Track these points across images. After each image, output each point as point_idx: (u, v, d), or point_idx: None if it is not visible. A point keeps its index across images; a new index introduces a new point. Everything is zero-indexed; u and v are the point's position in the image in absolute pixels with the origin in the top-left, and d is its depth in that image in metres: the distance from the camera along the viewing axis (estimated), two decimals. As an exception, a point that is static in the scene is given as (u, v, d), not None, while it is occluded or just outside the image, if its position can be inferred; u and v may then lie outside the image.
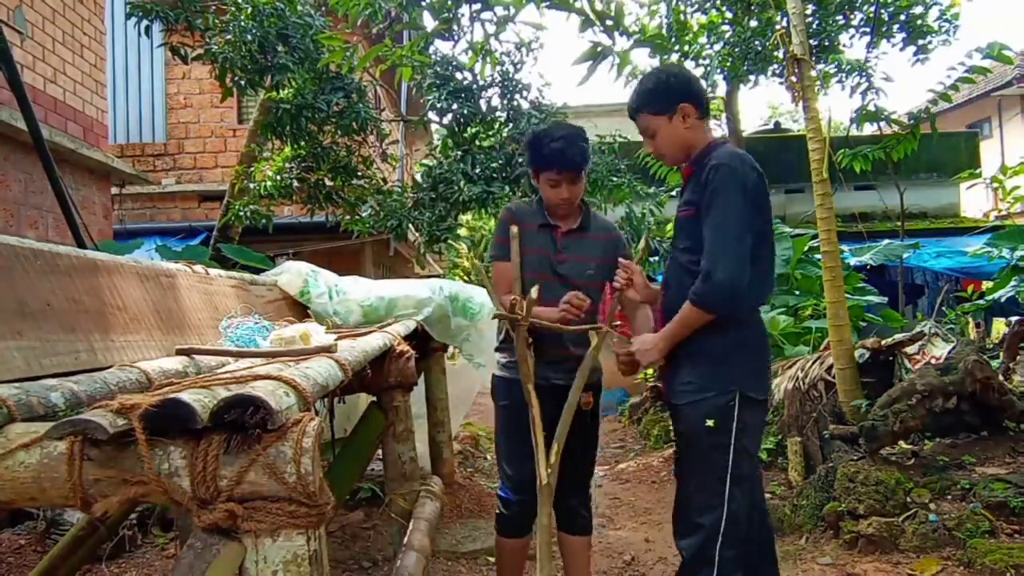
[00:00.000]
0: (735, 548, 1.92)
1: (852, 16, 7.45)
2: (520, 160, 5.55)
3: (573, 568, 2.55)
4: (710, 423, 1.93)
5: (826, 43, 7.37)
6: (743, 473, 1.93)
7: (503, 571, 2.54)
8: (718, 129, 10.80)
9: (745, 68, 7.73)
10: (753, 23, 7.61)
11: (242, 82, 5.32)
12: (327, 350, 1.74)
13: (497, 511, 2.50)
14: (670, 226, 8.72)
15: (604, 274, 2.41)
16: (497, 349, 2.52)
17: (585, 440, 2.46)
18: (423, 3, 5.44)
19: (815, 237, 5.40)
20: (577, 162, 2.32)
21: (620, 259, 2.27)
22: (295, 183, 5.96)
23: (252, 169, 6.23)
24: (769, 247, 2.01)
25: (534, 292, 2.15)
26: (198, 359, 1.84)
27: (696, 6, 7.81)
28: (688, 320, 1.95)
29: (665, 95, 2.02)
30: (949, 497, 3.49)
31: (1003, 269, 6.14)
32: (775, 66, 7.67)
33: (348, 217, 6.26)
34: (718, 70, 8.05)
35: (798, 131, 13.01)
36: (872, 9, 7.15)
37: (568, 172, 2.31)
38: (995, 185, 6.81)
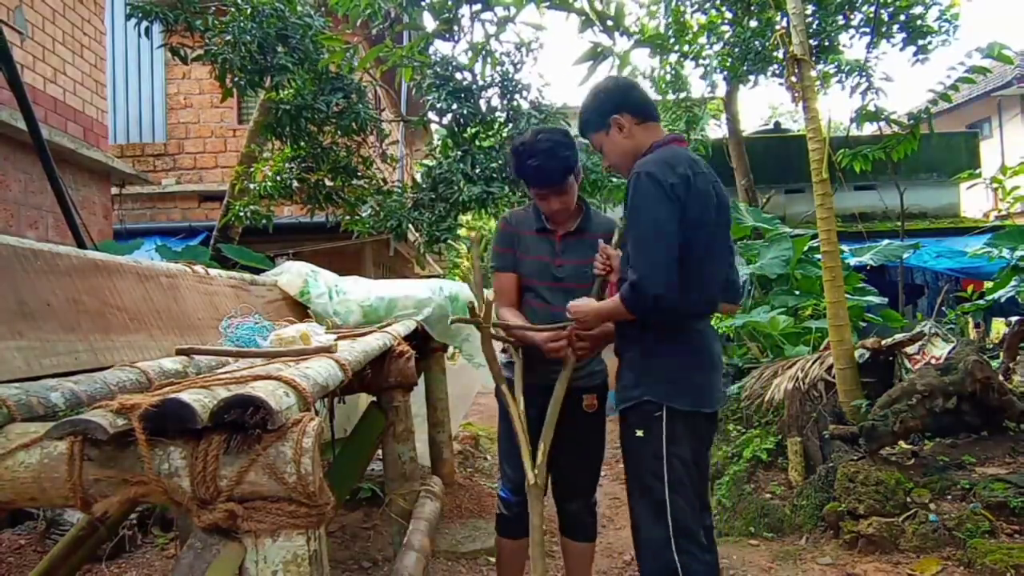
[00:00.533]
0: (698, 562, 1.86)
1: (852, 16, 7.46)
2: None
3: (575, 573, 2.54)
4: (639, 433, 1.92)
5: (826, 43, 7.38)
6: (680, 481, 1.87)
7: (503, 572, 2.53)
8: (718, 129, 10.83)
9: (745, 68, 7.73)
10: (753, 23, 7.62)
11: (242, 83, 5.32)
12: (327, 350, 1.74)
13: (497, 512, 2.49)
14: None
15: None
16: (502, 351, 2.51)
17: (589, 444, 2.42)
18: (423, 3, 5.44)
19: (815, 237, 5.39)
20: (559, 176, 2.27)
21: (600, 243, 2.22)
22: (295, 183, 5.96)
23: (252, 169, 6.24)
24: (706, 253, 1.91)
25: (489, 295, 2.14)
26: (198, 359, 1.83)
27: (696, 6, 7.82)
28: (617, 310, 1.96)
29: (596, 112, 2.07)
30: (949, 497, 3.49)
31: (1003, 269, 6.13)
32: (775, 66, 7.68)
33: (348, 217, 6.27)
34: (718, 70, 8.06)
35: (798, 131, 13.01)
36: (872, 9, 7.15)
37: (552, 187, 2.29)
38: (995, 185, 6.80)
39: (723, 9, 7.77)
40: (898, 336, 4.76)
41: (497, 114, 5.85)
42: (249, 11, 5.14)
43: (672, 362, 1.92)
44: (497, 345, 2.54)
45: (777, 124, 15.73)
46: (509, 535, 2.47)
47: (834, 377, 4.31)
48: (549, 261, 2.36)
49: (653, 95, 8.94)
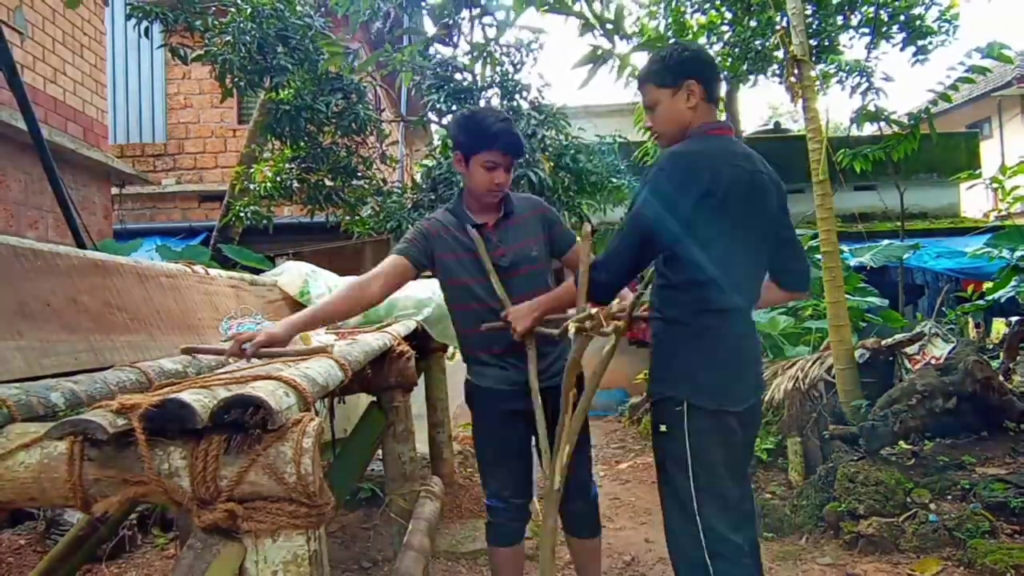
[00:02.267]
0: (730, 565, 1.83)
1: (852, 16, 7.46)
2: (520, 162, 5.55)
3: (587, 571, 2.54)
4: (663, 428, 1.92)
5: (826, 43, 7.38)
6: (706, 480, 1.86)
7: None
8: (718, 129, 10.81)
9: (745, 68, 7.73)
10: (753, 23, 7.62)
11: (242, 83, 5.32)
12: (326, 350, 1.74)
13: (488, 521, 2.45)
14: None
15: (545, 251, 2.35)
16: (470, 357, 2.43)
17: (580, 439, 2.43)
18: (423, 5, 5.45)
19: (815, 237, 5.39)
20: (520, 145, 2.28)
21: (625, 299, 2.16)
22: (295, 184, 5.97)
23: (252, 170, 6.24)
24: (727, 252, 1.87)
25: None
26: (198, 359, 1.84)
27: (696, 7, 7.82)
28: (565, 297, 2.10)
29: (675, 68, 1.96)
30: (949, 497, 3.49)
31: (1003, 269, 6.13)
32: (775, 66, 7.68)
33: (348, 218, 6.27)
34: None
35: (798, 131, 12.99)
36: (872, 9, 7.15)
37: (510, 155, 2.25)
38: (995, 185, 6.79)
39: (723, 9, 7.76)
40: (898, 336, 4.76)
41: (497, 114, 5.85)
42: (249, 11, 5.15)
43: (693, 359, 1.89)
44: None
45: (777, 124, 15.71)
46: (505, 543, 2.44)
47: (834, 377, 4.31)
48: (486, 255, 2.28)
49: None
